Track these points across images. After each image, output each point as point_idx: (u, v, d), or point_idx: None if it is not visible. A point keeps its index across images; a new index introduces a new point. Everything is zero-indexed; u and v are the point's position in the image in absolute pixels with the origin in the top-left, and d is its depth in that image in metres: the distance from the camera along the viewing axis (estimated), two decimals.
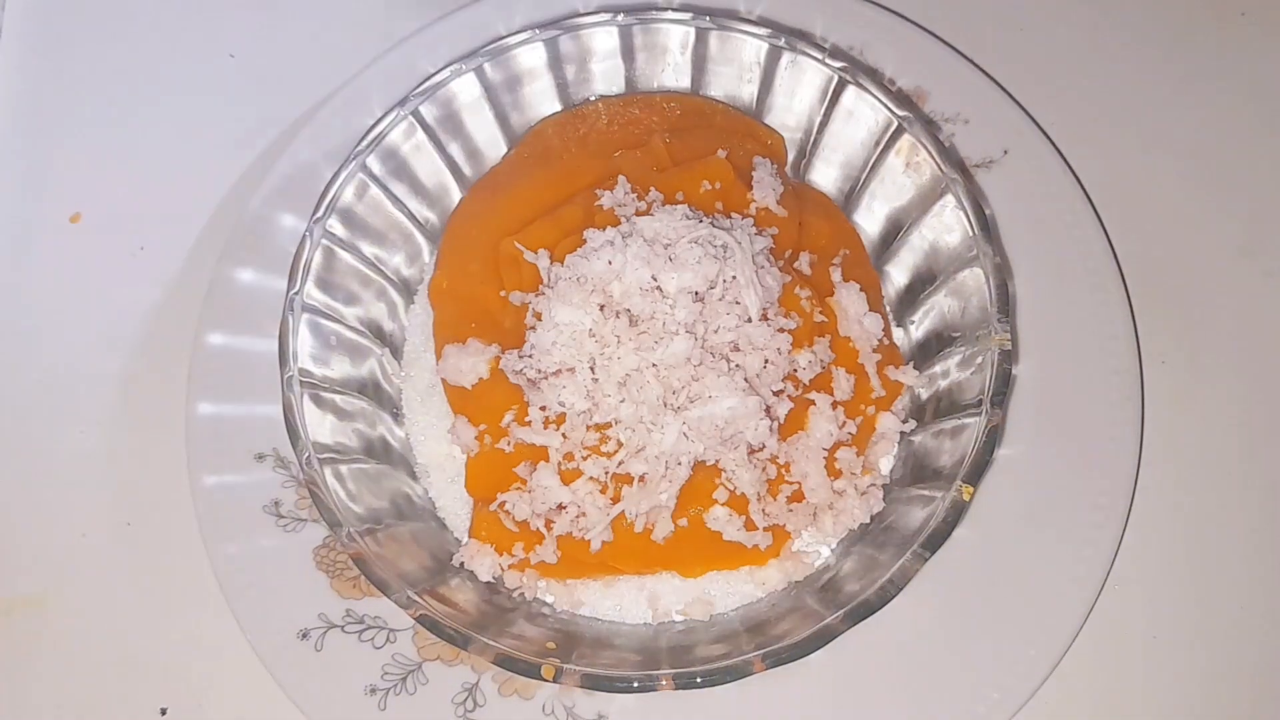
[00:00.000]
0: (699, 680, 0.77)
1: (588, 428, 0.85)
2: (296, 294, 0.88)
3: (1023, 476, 0.90)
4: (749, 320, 0.85)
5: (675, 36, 0.99)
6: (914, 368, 0.92)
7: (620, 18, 0.96)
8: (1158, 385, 0.96)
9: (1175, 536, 0.94)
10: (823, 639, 0.77)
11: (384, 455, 0.91)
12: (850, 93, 0.94)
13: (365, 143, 0.92)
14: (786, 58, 0.96)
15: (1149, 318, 0.98)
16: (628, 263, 0.83)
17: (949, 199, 0.90)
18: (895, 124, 0.92)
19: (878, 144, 0.94)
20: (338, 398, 0.89)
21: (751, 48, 0.97)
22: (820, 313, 0.90)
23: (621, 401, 0.83)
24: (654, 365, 0.83)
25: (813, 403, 0.87)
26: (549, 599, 0.89)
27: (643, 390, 0.83)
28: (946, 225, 0.91)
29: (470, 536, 0.87)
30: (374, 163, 0.93)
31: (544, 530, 0.85)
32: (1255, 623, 0.92)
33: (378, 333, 0.96)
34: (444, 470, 0.94)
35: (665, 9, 0.98)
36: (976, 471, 0.81)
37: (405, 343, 0.98)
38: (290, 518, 0.91)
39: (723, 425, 0.82)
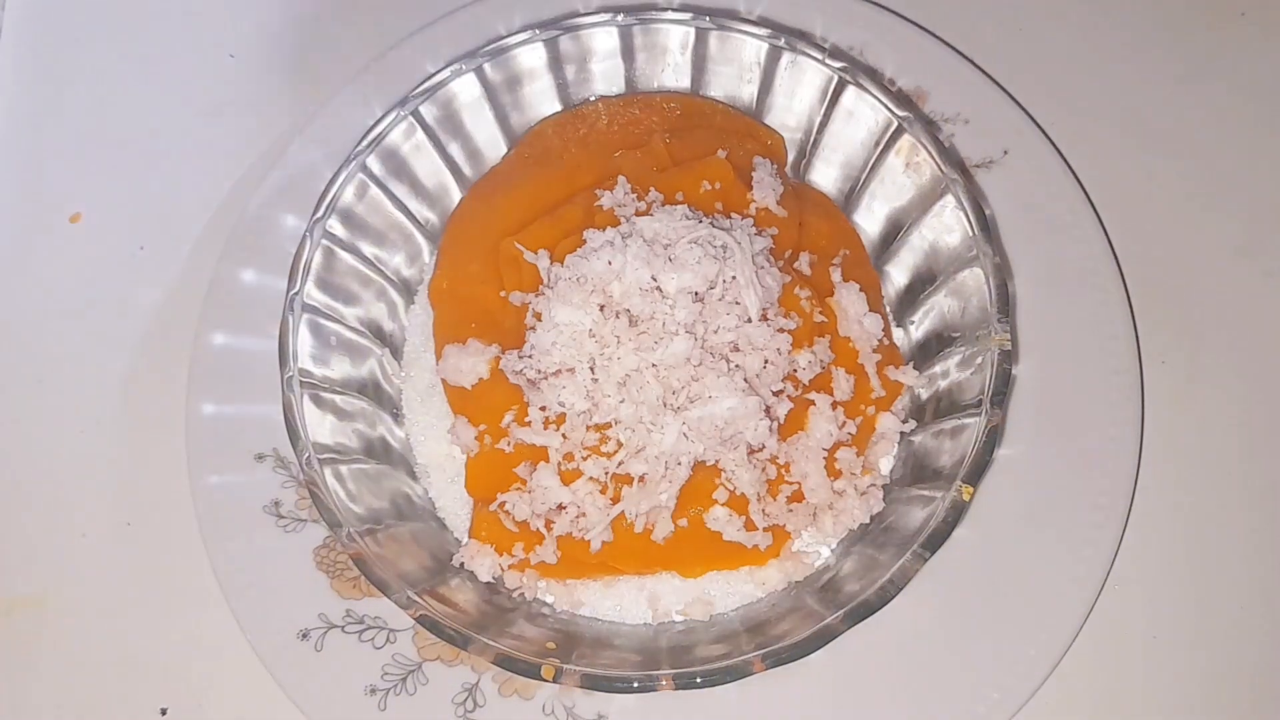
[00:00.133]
0: (699, 680, 0.77)
1: (588, 428, 0.85)
2: (296, 294, 0.88)
3: (1023, 476, 0.90)
4: (749, 320, 0.85)
5: (675, 36, 0.99)
6: (914, 368, 0.92)
7: (620, 18, 0.96)
8: (1158, 385, 0.96)
9: (1175, 536, 0.94)
10: (823, 639, 0.77)
11: (384, 455, 0.91)
12: (850, 93, 0.94)
13: (365, 143, 0.92)
14: (786, 58, 0.96)
15: (1149, 318, 0.98)
16: (628, 263, 0.83)
17: (949, 199, 0.90)
18: (895, 124, 0.92)
19: (878, 144, 0.94)
20: (338, 398, 0.89)
21: (751, 48, 0.97)
22: (820, 313, 0.90)
23: (621, 402, 0.83)
24: (654, 365, 0.83)
25: (813, 403, 0.87)
26: (549, 599, 0.89)
27: (643, 390, 0.83)
28: (946, 225, 0.91)
29: (470, 536, 0.87)
30: (374, 163, 0.93)
31: (544, 530, 0.85)
32: (1255, 623, 0.92)
33: (378, 333, 0.96)
34: (444, 470, 0.94)
35: (665, 9, 0.99)
36: (976, 471, 0.81)
37: (405, 343, 0.98)
38: (290, 518, 0.91)
39: (723, 425, 0.82)
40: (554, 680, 0.77)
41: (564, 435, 0.85)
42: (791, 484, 0.87)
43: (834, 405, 0.88)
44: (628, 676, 0.77)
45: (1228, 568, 0.93)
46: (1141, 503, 0.90)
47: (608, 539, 0.85)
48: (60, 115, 1.12)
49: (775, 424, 0.85)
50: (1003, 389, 0.83)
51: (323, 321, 0.90)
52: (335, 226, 0.91)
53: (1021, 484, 0.89)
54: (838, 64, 0.94)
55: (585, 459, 0.84)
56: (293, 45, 1.14)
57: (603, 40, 0.98)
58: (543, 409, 0.85)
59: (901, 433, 0.91)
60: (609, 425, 0.84)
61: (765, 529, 0.85)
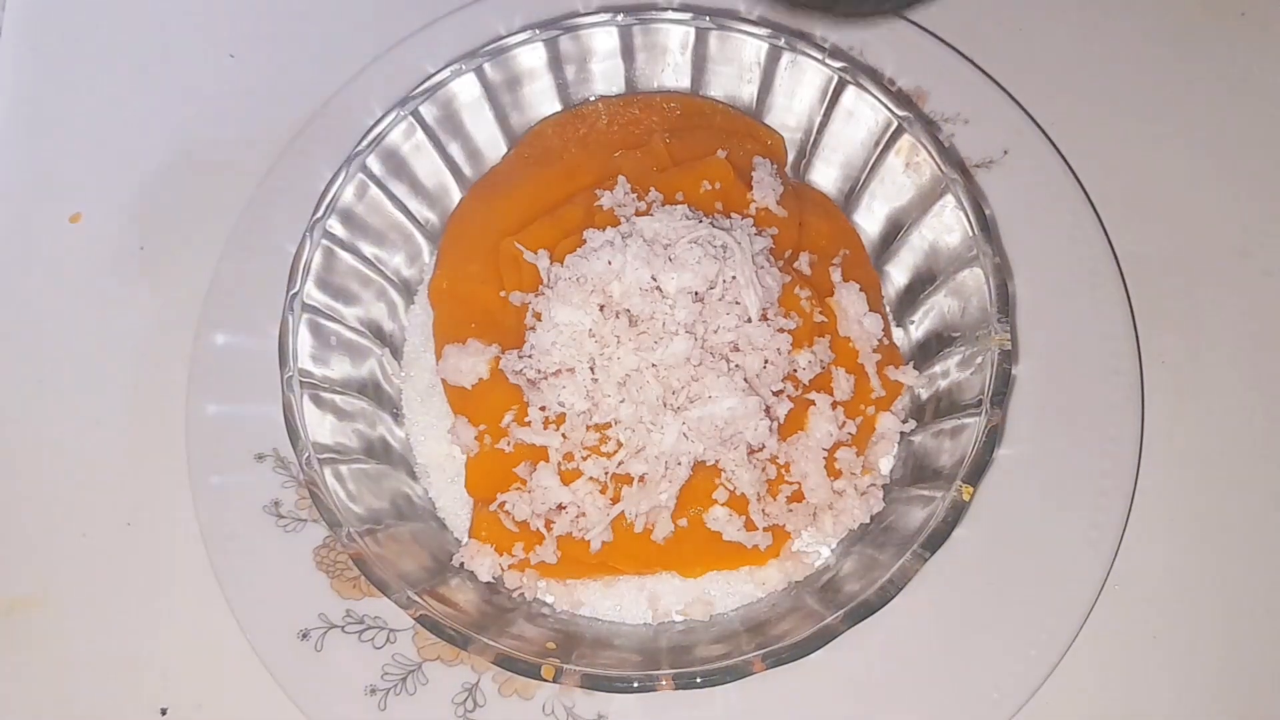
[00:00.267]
0: (699, 680, 0.77)
1: (587, 428, 0.85)
2: (296, 294, 0.88)
3: (1023, 476, 0.90)
4: (749, 320, 0.85)
5: (675, 36, 0.99)
6: (914, 368, 0.92)
7: (620, 18, 0.96)
8: (1158, 385, 0.96)
9: (1175, 536, 0.94)
10: (823, 639, 0.77)
11: (384, 455, 0.91)
12: (850, 93, 0.94)
13: (365, 143, 0.92)
14: (786, 58, 0.96)
15: (1149, 318, 0.98)
16: (627, 263, 0.83)
17: (949, 199, 0.90)
18: (895, 124, 0.92)
19: (878, 144, 0.94)
20: (338, 398, 0.89)
21: (751, 48, 0.97)
22: (820, 313, 0.89)
23: (621, 402, 0.83)
24: (654, 365, 0.83)
25: (812, 403, 0.87)
26: (549, 599, 0.89)
27: (642, 390, 0.83)
28: (946, 225, 0.91)
29: (470, 536, 0.87)
30: (374, 163, 0.93)
31: (544, 530, 0.85)
32: (1255, 623, 0.92)
33: (378, 333, 0.96)
34: (444, 470, 0.94)
35: (665, 9, 0.98)
36: (976, 471, 0.81)
37: (405, 343, 0.98)
38: (290, 518, 0.91)
39: (722, 425, 0.82)
40: (554, 680, 0.77)
41: (564, 435, 0.85)
42: (791, 484, 0.87)
43: (834, 405, 0.88)
44: (628, 676, 0.77)
45: (1228, 568, 0.93)
46: (1141, 503, 0.90)
47: (608, 539, 0.85)
48: (60, 115, 1.12)
49: (775, 424, 0.85)
50: (1003, 389, 0.83)
51: (323, 321, 0.90)
52: (335, 226, 0.91)
53: (1021, 484, 0.89)
54: (838, 64, 0.94)
55: (585, 459, 0.84)
56: (293, 45, 1.14)
57: (603, 40, 0.98)
58: (543, 409, 0.85)
59: (901, 433, 0.91)
60: (609, 425, 0.84)
61: (765, 529, 0.85)
